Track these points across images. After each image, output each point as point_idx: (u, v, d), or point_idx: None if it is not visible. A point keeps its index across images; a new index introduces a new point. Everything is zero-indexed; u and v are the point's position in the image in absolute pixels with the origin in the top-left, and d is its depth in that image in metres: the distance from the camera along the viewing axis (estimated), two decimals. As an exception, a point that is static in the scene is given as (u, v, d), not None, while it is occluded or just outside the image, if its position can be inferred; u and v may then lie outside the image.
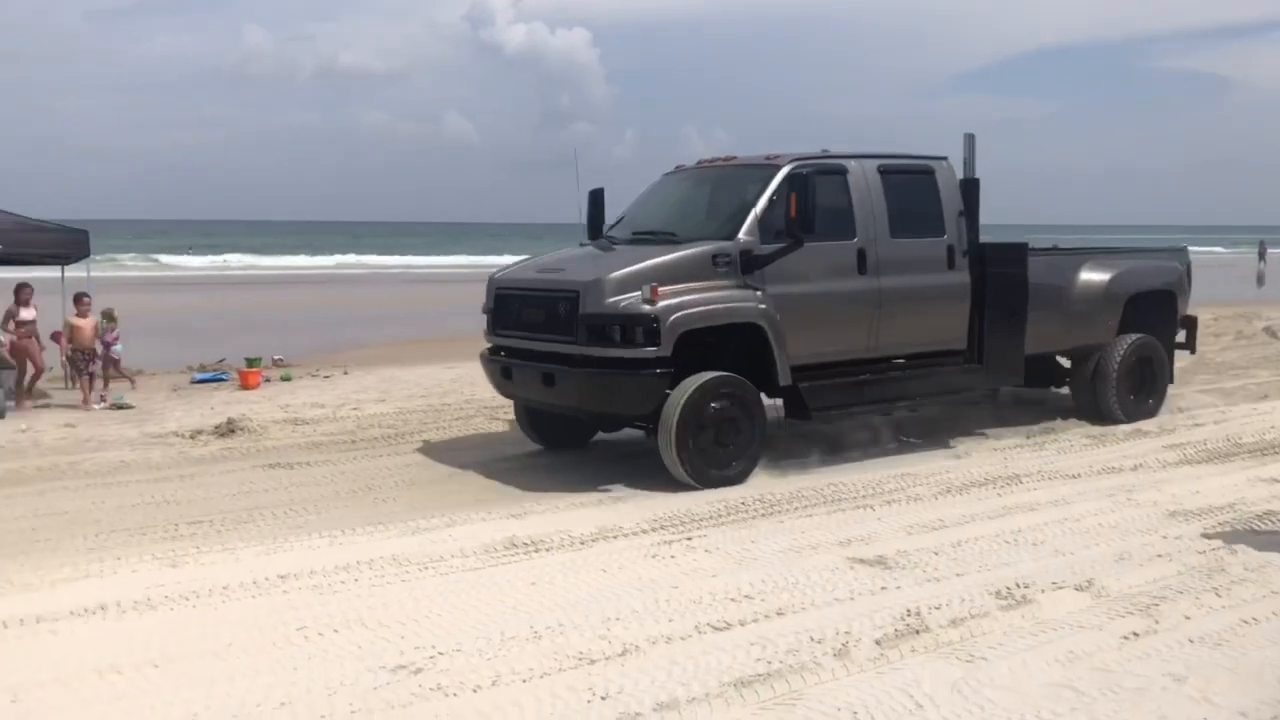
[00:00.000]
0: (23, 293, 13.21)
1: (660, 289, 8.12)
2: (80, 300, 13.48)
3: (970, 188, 9.94)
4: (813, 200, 8.45)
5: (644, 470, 9.06)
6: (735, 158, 9.75)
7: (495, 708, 4.41)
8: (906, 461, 9.35)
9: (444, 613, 5.52)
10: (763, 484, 8.45)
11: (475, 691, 4.57)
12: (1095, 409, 10.93)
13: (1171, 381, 11.60)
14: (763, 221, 8.61)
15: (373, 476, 9.12)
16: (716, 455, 8.30)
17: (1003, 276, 9.99)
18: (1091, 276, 10.87)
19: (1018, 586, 5.84)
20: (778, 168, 8.86)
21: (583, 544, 6.81)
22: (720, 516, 7.49)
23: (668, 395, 8.14)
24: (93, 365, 13.26)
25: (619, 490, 8.40)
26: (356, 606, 5.61)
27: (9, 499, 8.39)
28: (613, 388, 8.17)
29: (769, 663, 4.84)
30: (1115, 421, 10.73)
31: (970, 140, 10.01)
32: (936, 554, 6.50)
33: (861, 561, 6.34)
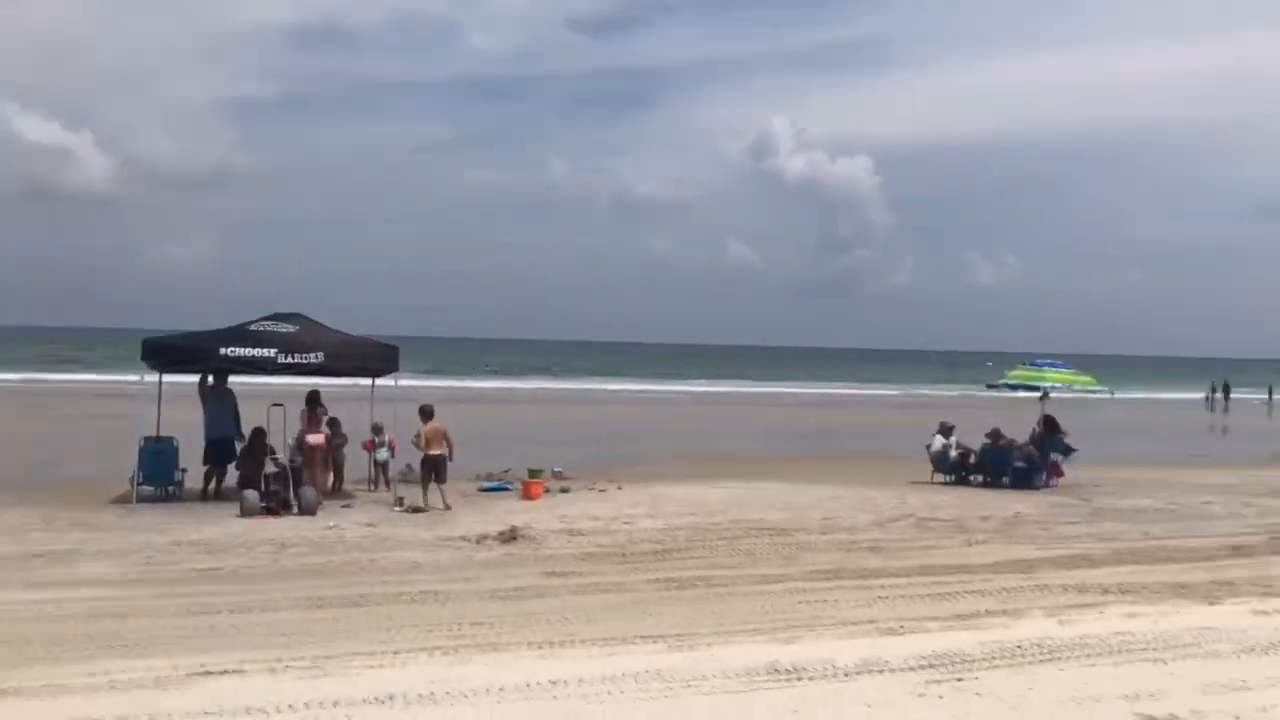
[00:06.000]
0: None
1: None
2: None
3: None
4: None
5: (916, 604, 8.85)
6: None
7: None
8: (1203, 614, 8.61)
9: (705, 732, 5.49)
10: (1042, 628, 8.02)
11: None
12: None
13: None
14: None
15: (642, 590, 9.35)
16: None
17: None
18: None
19: (1336, 764, 5.14)
20: None
21: (847, 675, 6.68)
22: (994, 659, 7.15)
23: None
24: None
25: (887, 622, 8.19)
26: (620, 719, 5.74)
27: (317, 589, 9.20)
28: None
29: (1043, 819, 4.45)
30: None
31: None
32: (1237, 718, 5.93)
33: (1150, 719, 5.88)
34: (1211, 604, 9.05)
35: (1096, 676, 6.75)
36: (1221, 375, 66.75)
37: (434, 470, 14.40)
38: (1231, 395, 61.76)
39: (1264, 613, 8.72)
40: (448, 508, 14.05)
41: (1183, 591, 9.55)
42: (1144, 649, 7.46)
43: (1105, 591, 9.49)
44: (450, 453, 14.62)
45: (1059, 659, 7.18)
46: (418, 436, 14.53)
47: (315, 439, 14.80)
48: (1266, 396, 64.26)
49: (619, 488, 16.43)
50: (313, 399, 15.19)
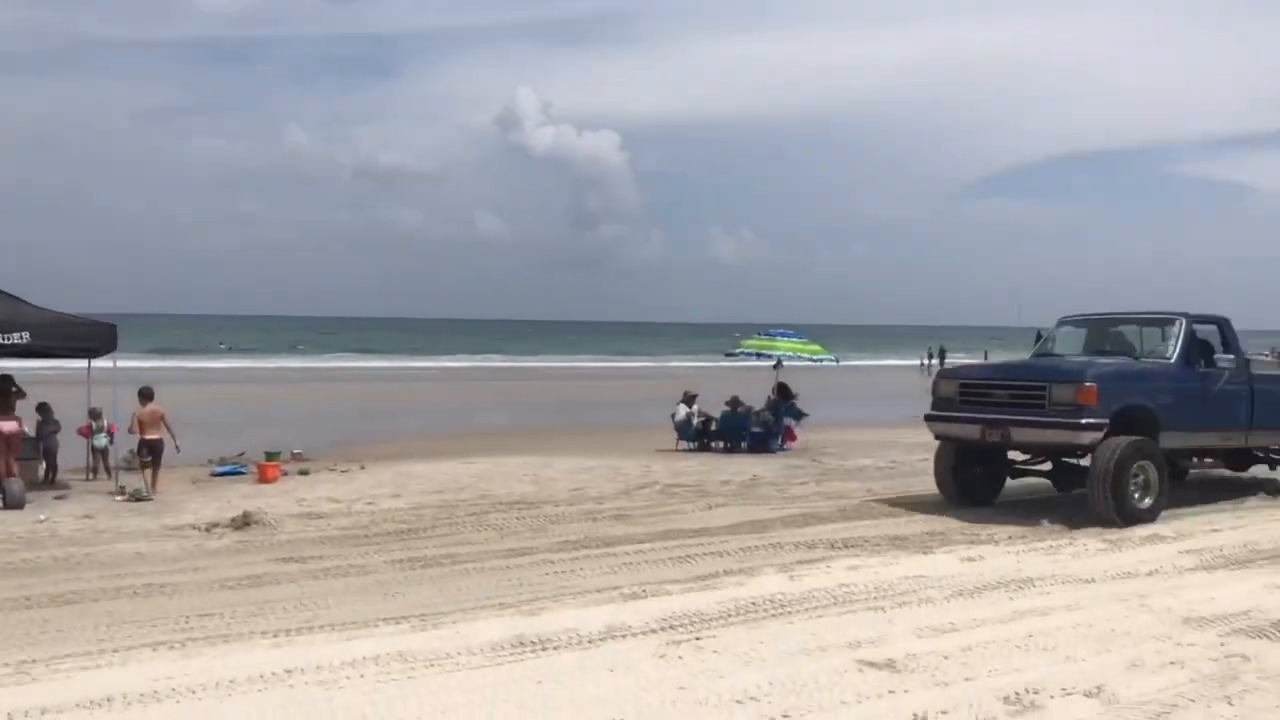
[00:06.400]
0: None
1: None
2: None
3: None
4: None
5: (659, 568, 9.10)
6: None
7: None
8: (919, 564, 9.28)
9: (448, 711, 5.50)
10: (774, 585, 8.41)
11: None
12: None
13: None
14: None
15: (384, 571, 9.13)
16: None
17: None
18: None
19: (1026, 692, 5.77)
20: None
21: (591, 643, 6.78)
22: (730, 616, 7.44)
23: None
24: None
25: (630, 588, 8.36)
26: (360, 703, 5.60)
27: (23, 589, 8.45)
28: None
29: (772, 766, 4.74)
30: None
31: None
32: (946, 658, 6.43)
33: (870, 664, 6.28)
34: (926, 554, 9.77)
35: (823, 627, 7.15)
36: (937, 341, 72.14)
37: (150, 455, 13.61)
38: (947, 360, 66.85)
39: (971, 559, 9.49)
40: (151, 497, 13.22)
41: (900, 543, 10.26)
42: (865, 599, 7.97)
43: (832, 547, 10.06)
44: (172, 438, 13.83)
45: (789, 613, 7.56)
46: (133, 419, 13.70)
47: (8, 427, 13.58)
48: (982, 360, 69.91)
49: (362, 468, 16.00)
50: (2, 384, 13.93)
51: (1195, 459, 13.37)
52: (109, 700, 5.62)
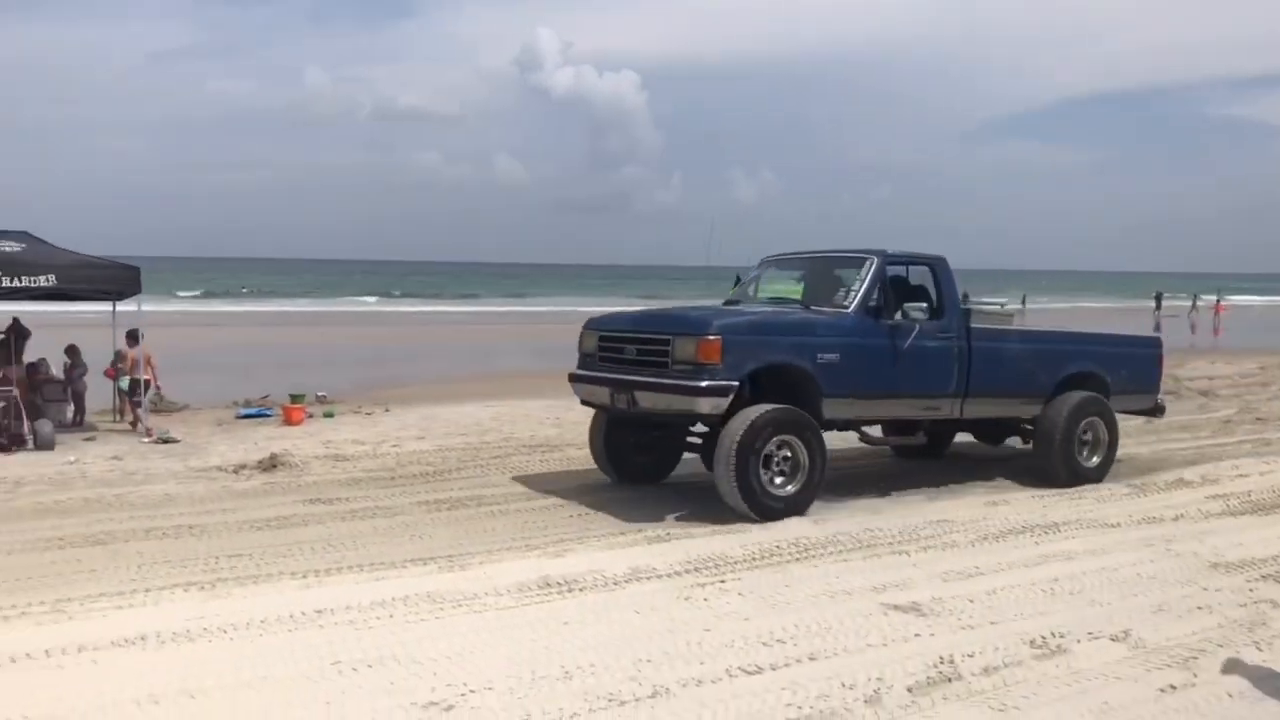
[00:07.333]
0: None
1: None
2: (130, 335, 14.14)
3: None
4: None
5: (686, 511, 9.14)
6: None
7: (525, 746, 4.19)
8: (943, 508, 9.28)
9: (476, 650, 5.56)
10: (798, 528, 8.43)
11: (506, 730, 4.30)
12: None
13: None
14: None
15: (411, 513, 9.21)
16: None
17: None
18: None
19: (1053, 636, 5.78)
20: None
21: (616, 584, 6.83)
22: (754, 560, 7.47)
23: None
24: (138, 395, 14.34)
25: (655, 530, 8.40)
26: (390, 642, 5.66)
27: (56, 529, 8.56)
28: None
29: (799, 708, 4.83)
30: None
31: None
32: (971, 601, 6.45)
33: (895, 608, 6.30)
34: (950, 498, 9.76)
35: (847, 570, 7.18)
36: (961, 285, 71.47)
37: (136, 394, 14.35)
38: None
39: (994, 504, 9.49)
40: (177, 439, 13.31)
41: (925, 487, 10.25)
42: (890, 543, 7.99)
43: (853, 489, 10.06)
44: (155, 378, 14.75)
45: (813, 556, 7.58)
46: (129, 361, 14.25)
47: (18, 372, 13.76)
48: (1020, 305, 69.14)
49: (386, 410, 16.07)
50: (16, 329, 14.10)
51: (959, 431, 11.36)
52: (143, 639, 5.70)
